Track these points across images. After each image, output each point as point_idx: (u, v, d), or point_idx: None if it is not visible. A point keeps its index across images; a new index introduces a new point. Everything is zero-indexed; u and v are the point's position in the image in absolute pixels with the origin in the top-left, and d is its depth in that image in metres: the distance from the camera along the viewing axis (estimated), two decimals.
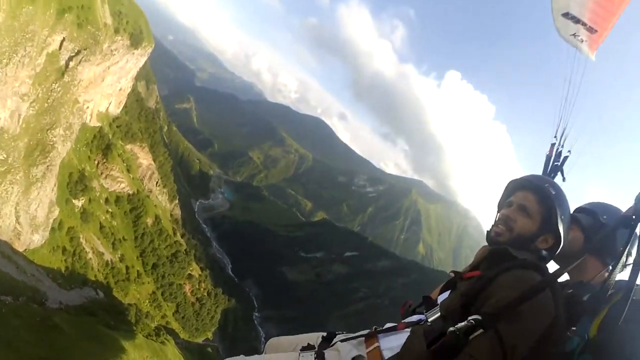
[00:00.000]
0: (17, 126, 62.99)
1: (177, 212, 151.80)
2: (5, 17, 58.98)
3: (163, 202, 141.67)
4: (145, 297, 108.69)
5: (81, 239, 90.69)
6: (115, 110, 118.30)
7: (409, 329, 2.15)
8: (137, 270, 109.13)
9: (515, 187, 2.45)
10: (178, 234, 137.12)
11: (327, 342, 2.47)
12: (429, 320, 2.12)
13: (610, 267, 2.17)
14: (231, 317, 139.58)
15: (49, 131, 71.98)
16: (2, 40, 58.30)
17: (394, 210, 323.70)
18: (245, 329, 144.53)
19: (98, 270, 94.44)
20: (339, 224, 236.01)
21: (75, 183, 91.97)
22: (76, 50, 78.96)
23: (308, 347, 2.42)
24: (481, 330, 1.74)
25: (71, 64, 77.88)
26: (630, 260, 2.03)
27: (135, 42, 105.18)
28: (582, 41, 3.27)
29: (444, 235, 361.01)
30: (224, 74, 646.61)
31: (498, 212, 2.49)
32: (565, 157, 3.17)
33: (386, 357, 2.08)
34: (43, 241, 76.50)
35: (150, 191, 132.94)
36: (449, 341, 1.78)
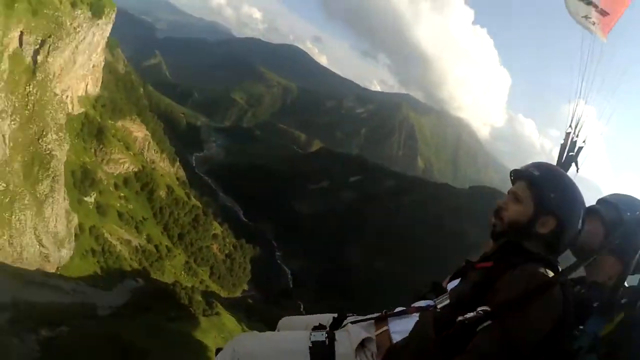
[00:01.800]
0: (6, 148, 54.76)
1: (182, 173, 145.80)
2: None
3: (167, 168, 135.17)
4: (180, 269, 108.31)
5: (105, 234, 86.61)
6: (94, 89, 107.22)
7: (418, 314, 2.14)
8: (166, 246, 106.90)
9: (512, 180, 2.40)
10: (192, 197, 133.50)
11: (338, 322, 2.47)
12: (438, 307, 2.12)
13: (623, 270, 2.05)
14: (258, 264, 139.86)
15: (40, 140, 63.42)
16: None
17: (387, 128, 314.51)
18: (273, 271, 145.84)
19: (131, 258, 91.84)
20: (337, 150, 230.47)
21: (80, 180, 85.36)
22: (39, 42, 67.41)
23: (319, 327, 2.40)
24: (489, 322, 1.74)
25: (39, 58, 66.65)
26: None
27: (96, 11, 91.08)
28: (594, 23, 3.12)
29: (440, 147, 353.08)
30: (183, 19, 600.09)
31: None
32: (580, 148, 2.92)
33: (395, 340, 2.08)
34: (71, 252, 72.29)
35: (154, 162, 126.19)
36: (457, 331, 1.80)
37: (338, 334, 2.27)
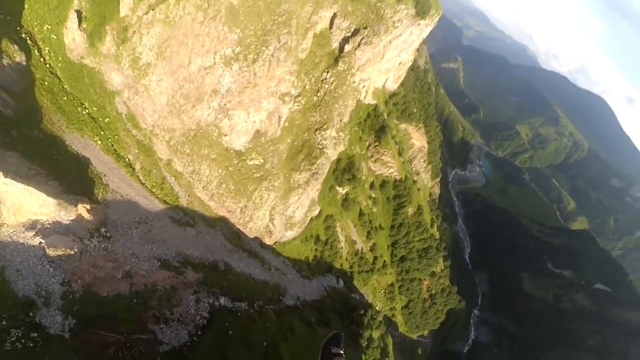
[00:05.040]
0: (277, 128, 49.47)
1: (437, 190, 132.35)
2: None
3: (425, 181, 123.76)
4: (381, 288, 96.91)
5: (337, 228, 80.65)
6: (392, 85, 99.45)
7: None
8: (384, 261, 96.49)
9: None
10: (435, 227, 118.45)
11: None
12: None
13: None
14: (452, 316, 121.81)
15: (318, 132, 57.20)
16: (243, 29, 40.00)
17: None
18: (459, 327, 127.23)
19: (346, 259, 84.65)
20: (599, 240, 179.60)
21: (342, 171, 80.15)
22: (352, 30, 59.12)
23: None
24: None
25: (347, 47, 58.77)
26: None
27: (421, 10, 78.88)
28: None
29: None
30: (492, 33, 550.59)
31: None
32: None
33: None
34: (296, 234, 67.80)
35: (417, 173, 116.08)
36: None
37: None
